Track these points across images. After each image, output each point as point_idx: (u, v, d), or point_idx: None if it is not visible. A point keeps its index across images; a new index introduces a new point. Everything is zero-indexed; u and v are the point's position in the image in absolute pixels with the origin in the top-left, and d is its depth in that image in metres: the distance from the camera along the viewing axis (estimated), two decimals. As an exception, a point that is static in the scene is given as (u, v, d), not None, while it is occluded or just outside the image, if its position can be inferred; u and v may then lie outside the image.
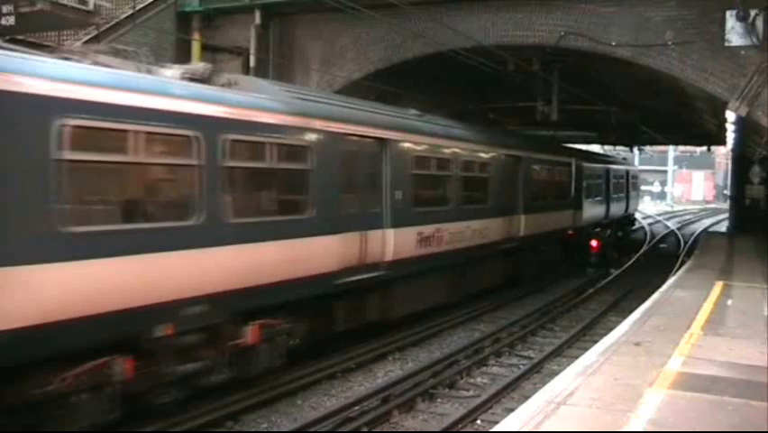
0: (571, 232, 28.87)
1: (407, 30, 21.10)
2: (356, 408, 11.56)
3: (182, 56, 21.36)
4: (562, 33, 20.22)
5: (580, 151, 36.05)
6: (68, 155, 8.60)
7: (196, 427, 10.54)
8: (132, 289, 9.35)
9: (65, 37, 18.70)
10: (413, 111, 18.17)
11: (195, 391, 10.80)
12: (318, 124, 13.10)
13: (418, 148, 16.69)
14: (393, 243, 15.29)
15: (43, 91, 8.42)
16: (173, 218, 10.31)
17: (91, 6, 17.61)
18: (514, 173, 22.56)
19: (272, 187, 12.39)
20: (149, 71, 10.85)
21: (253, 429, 10.98)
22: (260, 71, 21.99)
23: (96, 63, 10.06)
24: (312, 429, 10.66)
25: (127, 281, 9.29)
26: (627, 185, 42.38)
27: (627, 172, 43.39)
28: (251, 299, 11.37)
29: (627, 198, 42.41)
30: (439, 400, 12.65)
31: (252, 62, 22.38)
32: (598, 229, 34.17)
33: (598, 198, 34.33)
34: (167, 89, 10.35)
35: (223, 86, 11.94)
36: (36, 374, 8.50)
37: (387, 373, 14.06)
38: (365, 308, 15.17)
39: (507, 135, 25.88)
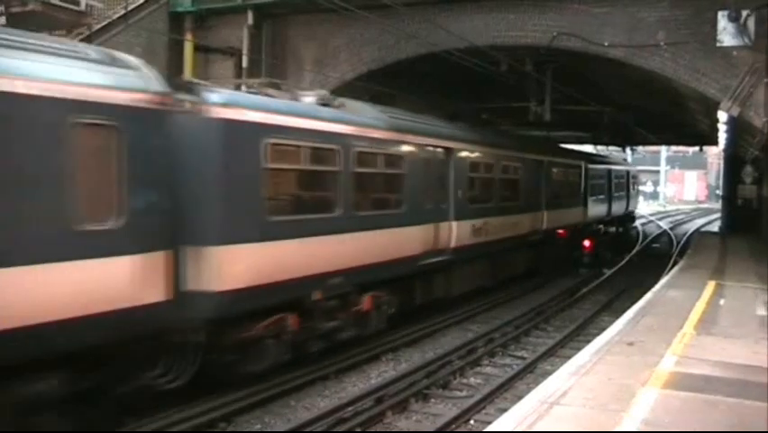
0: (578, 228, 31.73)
1: (401, 30, 21.09)
2: (350, 408, 11.55)
3: (174, 56, 21.35)
4: (555, 34, 20.22)
5: (586, 153, 39.21)
6: (269, 165, 12.00)
7: (189, 428, 10.52)
8: (300, 263, 12.70)
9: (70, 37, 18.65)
10: (463, 124, 22.69)
11: (332, 344, 14.09)
12: (408, 137, 16.66)
13: (472, 155, 20.34)
14: (456, 232, 18.75)
15: (258, 119, 11.87)
16: (324, 211, 13.68)
17: (83, 7, 17.64)
18: (538, 175, 26.10)
19: (379, 187, 15.96)
20: (296, 98, 14.03)
21: (246, 430, 10.97)
22: (253, 72, 21.98)
23: (265, 94, 13.41)
24: (305, 430, 10.65)
25: (298, 258, 12.67)
26: (628, 184, 44.56)
27: (628, 173, 45.56)
28: (367, 274, 14.70)
29: (628, 196, 44.55)
30: (432, 400, 12.65)
31: (245, 63, 22.35)
32: (600, 226, 37.09)
33: (601, 197, 36.88)
34: (319, 114, 13.72)
35: (337, 107, 14.79)
36: (242, 324, 11.64)
37: (380, 373, 14.05)
38: (434, 287, 18.54)
39: (532, 142, 30.19)
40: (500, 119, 35.77)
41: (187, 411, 10.82)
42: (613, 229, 40.84)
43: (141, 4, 21.18)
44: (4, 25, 15.85)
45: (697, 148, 62.37)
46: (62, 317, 8.40)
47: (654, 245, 42.84)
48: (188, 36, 22.48)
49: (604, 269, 29.74)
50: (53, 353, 8.54)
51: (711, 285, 18.05)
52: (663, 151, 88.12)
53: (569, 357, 12.13)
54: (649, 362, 10.38)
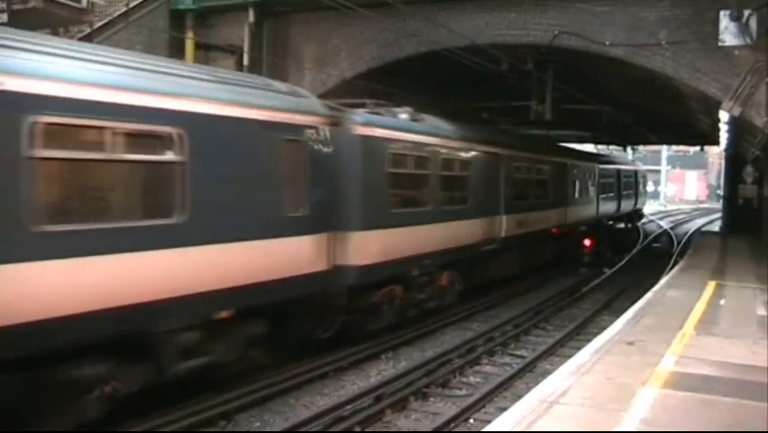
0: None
1: (401, 29, 21.09)
2: (349, 407, 11.57)
3: (175, 54, 21.34)
4: (556, 33, 20.21)
5: (596, 155, 42.72)
6: (390, 170, 15.82)
7: (188, 425, 10.54)
8: (407, 246, 16.30)
9: (57, 35, 18.64)
10: (508, 132, 27.23)
11: (422, 312, 17.70)
12: (473, 145, 20.32)
13: (516, 160, 23.63)
14: (505, 225, 22.15)
15: (385, 135, 15.63)
16: (422, 206, 17.40)
17: (84, 4, 17.63)
18: (564, 175, 29.73)
19: (455, 186, 19.27)
20: (394, 116, 16.85)
21: (246, 428, 10.99)
22: (254, 70, 21.95)
23: (374, 113, 16.11)
24: (304, 428, 10.66)
25: (406, 242, 16.30)
26: (636, 183, 48.58)
27: (636, 172, 49.29)
28: (445, 257, 18.14)
29: (636, 195, 48.68)
30: (432, 399, 12.66)
31: (246, 61, 22.36)
32: (611, 222, 41.71)
33: (611, 195, 40.47)
34: (416, 128, 17.14)
35: (422, 122, 17.78)
36: (368, 292, 15.16)
37: (380, 372, 14.07)
38: (487, 270, 21.93)
39: (558, 147, 34.84)
40: (501, 118, 35.70)
41: (186, 409, 10.84)
42: (622, 225, 45.20)
43: (143, 2, 21.18)
44: (4, 23, 15.85)
45: (698, 148, 62.33)
46: (277, 277, 12.05)
47: (655, 245, 42.81)
48: (189, 34, 22.49)
49: (604, 268, 29.73)
50: (269, 304, 12.15)
51: (711, 285, 18.06)
52: (664, 150, 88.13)
53: (569, 356, 12.16)
54: (649, 361, 10.39)
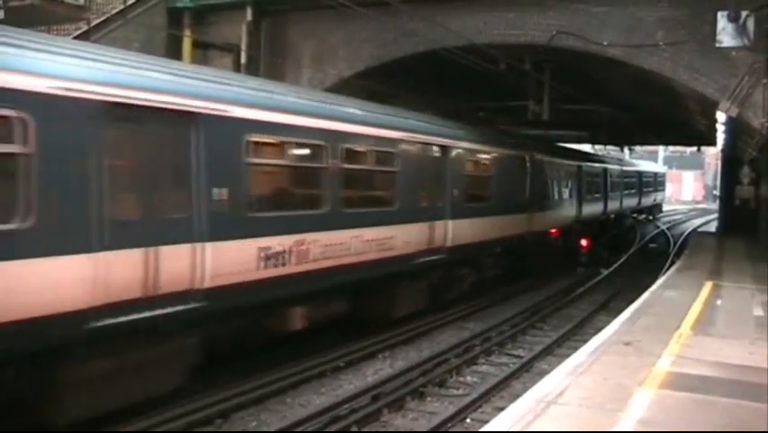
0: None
1: (399, 28, 21.08)
2: (346, 406, 11.55)
3: (173, 52, 21.32)
4: (555, 33, 20.20)
5: (619, 158, 49.91)
6: (466, 172, 19.44)
7: (185, 424, 10.53)
8: (480, 234, 19.94)
9: (55, 32, 18.62)
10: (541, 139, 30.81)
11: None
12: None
13: (557, 164, 27.60)
14: (536, 220, 25.08)
15: (464, 146, 19.29)
16: (484, 201, 20.68)
17: (82, 1, 17.58)
18: (578, 178, 32.63)
19: (499, 185, 21.81)
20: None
21: (242, 428, 10.98)
22: (252, 69, 21.96)
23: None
24: (301, 428, 10.65)
25: (479, 231, 19.91)
26: (656, 183, 62.94)
27: (656, 174, 63.76)
28: (499, 244, 22.12)
29: (656, 191, 63.21)
30: (429, 398, 12.66)
31: (243, 59, 22.34)
32: (635, 214, 54.16)
33: (633, 192, 50.25)
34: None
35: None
36: (454, 268, 19.35)
37: (376, 371, 14.06)
38: (530, 257, 25.57)
39: (575, 153, 37.10)
40: (498, 118, 35.75)
41: (183, 408, 10.83)
42: (643, 216, 57.88)
43: (140, 0, 21.17)
44: (1, 19, 15.81)
45: (695, 148, 62.36)
46: (421, 249, 16.77)
47: (652, 245, 42.86)
48: (187, 32, 22.46)
49: (601, 268, 29.73)
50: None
51: (708, 286, 18.08)
52: (661, 151, 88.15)
53: (565, 356, 12.18)
54: (646, 362, 10.40)
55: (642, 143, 57.51)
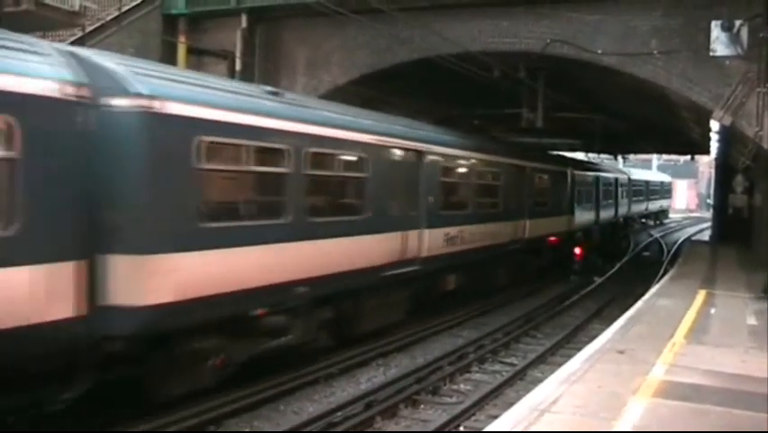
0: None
1: (394, 35, 21.12)
2: (339, 413, 11.53)
3: (167, 58, 21.32)
4: (549, 41, 20.26)
5: (622, 170, 52.87)
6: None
7: (177, 431, 10.50)
8: (543, 230, 25.67)
9: (50, 38, 18.62)
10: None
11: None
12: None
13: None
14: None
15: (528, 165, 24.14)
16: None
17: (77, 7, 17.59)
18: (595, 187, 37.43)
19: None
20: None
21: (235, 435, 10.96)
22: (246, 75, 21.96)
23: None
24: (294, 435, 10.65)
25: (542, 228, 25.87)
26: (662, 190, 73.06)
27: (662, 183, 73.89)
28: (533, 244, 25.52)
29: (663, 198, 73.44)
30: (422, 406, 12.63)
31: (238, 66, 22.35)
32: (642, 219, 62.98)
33: (641, 198, 58.59)
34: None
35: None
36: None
37: (370, 378, 14.03)
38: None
39: (595, 165, 42.39)
40: (492, 125, 35.79)
41: (177, 414, 10.80)
42: (651, 222, 67.47)
43: (135, 6, 21.22)
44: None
45: (688, 157, 62.49)
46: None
47: (645, 254, 42.87)
48: (182, 38, 22.48)
49: (594, 277, 29.73)
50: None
51: (702, 294, 18.10)
52: (655, 159, 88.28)
53: (559, 364, 12.17)
54: (639, 370, 10.40)
55: (635, 152, 57.66)
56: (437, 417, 11.89)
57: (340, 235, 13.96)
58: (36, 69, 8.57)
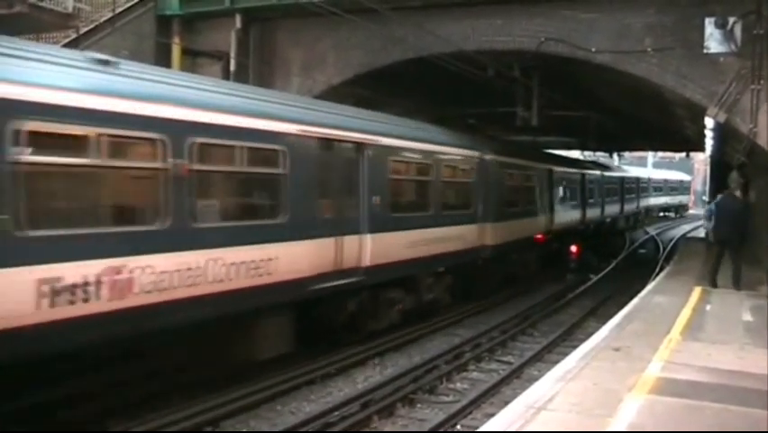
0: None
1: (388, 35, 21.10)
2: (336, 413, 11.54)
3: (162, 60, 21.31)
4: (543, 39, 20.24)
5: (637, 175, 60.64)
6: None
7: (175, 431, 10.50)
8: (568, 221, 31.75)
9: (43, 40, 18.60)
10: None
11: None
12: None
13: (598, 176, 38.07)
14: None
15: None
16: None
17: (70, 9, 17.56)
18: (620, 185, 48.60)
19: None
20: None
21: (233, 436, 10.96)
22: (241, 76, 21.94)
23: None
24: (292, 435, 10.66)
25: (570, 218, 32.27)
26: (681, 188, 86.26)
27: (681, 181, 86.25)
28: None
29: (681, 195, 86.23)
30: (419, 405, 12.65)
31: (233, 67, 22.33)
32: (662, 211, 77.85)
33: (661, 193, 74.94)
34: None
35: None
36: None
37: (366, 378, 14.04)
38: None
39: (622, 169, 54.52)
40: (488, 124, 35.79)
41: (173, 415, 10.80)
42: (672, 213, 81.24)
43: (129, 8, 21.19)
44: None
45: (683, 154, 62.54)
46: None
47: (641, 251, 42.95)
48: (176, 39, 22.45)
49: (590, 274, 29.77)
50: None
51: (697, 291, 18.13)
52: (650, 156, 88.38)
53: (555, 362, 12.19)
54: (635, 367, 10.41)
55: (631, 149, 57.69)
56: (434, 416, 11.91)
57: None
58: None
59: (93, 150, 9.24)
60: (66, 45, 17.95)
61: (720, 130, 22.56)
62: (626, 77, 20.63)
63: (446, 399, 13.08)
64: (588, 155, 49.69)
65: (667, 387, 9.51)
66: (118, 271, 9.43)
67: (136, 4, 21.55)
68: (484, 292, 22.59)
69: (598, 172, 41.16)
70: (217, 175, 11.74)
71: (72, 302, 8.85)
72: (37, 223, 8.64)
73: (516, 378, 14.39)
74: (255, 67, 22.76)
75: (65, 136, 9.11)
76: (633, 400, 8.83)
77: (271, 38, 23.29)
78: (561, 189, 31.66)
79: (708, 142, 31.54)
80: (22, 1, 15.99)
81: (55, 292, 8.65)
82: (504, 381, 14.00)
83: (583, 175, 36.80)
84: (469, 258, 20.54)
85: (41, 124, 8.69)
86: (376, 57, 22.17)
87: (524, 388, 11.01)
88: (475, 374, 14.85)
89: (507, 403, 9.63)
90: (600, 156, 51.96)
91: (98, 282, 9.17)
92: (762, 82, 18.05)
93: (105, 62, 10.08)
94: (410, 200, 17.69)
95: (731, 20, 17.84)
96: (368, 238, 14.96)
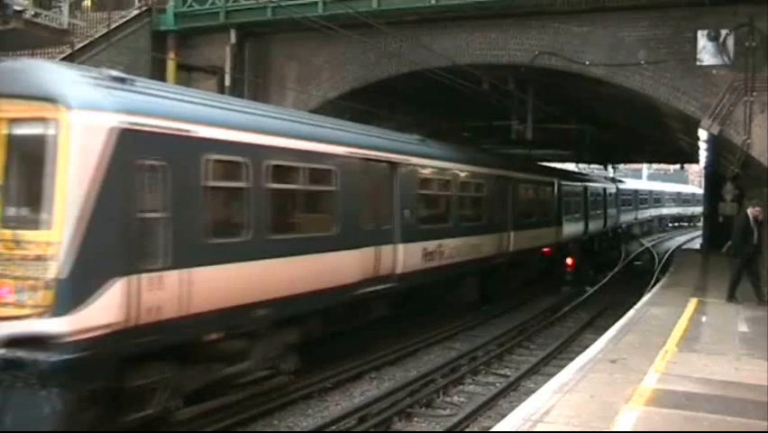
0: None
1: (382, 49, 21.16)
2: (333, 428, 11.51)
3: (157, 75, 21.33)
4: (537, 53, 20.31)
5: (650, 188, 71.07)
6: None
7: None
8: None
9: (39, 56, 18.60)
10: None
11: None
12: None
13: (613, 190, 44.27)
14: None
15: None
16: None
17: (65, 25, 17.57)
18: (634, 197, 55.32)
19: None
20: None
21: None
22: (236, 91, 21.97)
23: None
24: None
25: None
26: (694, 200, 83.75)
27: (694, 194, 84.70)
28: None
29: (694, 206, 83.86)
30: (416, 419, 12.62)
31: (228, 81, 22.36)
32: (675, 222, 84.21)
33: (674, 204, 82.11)
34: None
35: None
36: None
37: (363, 392, 14.01)
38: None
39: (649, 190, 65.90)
40: (483, 138, 35.85)
41: (169, 429, 10.75)
42: (686, 223, 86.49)
43: (124, 23, 21.26)
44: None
45: (678, 166, 62.67)
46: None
47: (637, 263, 42.97)
48: (171, 55, 22.48)
49: (586, 286, 29.77)
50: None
51: (693, 302, 18.11)
52: (645, 169, 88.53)
53: (552, 375, 12.16)
54: (632, 379, 10.40)
55: (626, 162, 57.80)
56: (431, 429, 11.89)
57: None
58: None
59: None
60: (61, 60, 17.94)
61: (714, 142, 22.58)
62: (621, 89, 20.70)
63: (443, 412, 13.05)
64: (582, 168, 49.83)
65: (664, 398, 9.49)
66: (429, 248, 17.86)
67: (131, 19, 21.62)
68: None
69: (618, 187, 49.47)
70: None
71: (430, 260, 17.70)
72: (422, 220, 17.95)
73: (513, 391, 14.37)
74: (250, 81, 22.79)
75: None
76: (630, 412, 8.81)
77: (266, 53, 23.34)
78: (592, 202, 38.56)
79: (702, 154, 31.56)
80: (18, 17, 16.00)
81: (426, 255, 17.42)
82: (501, 394, 13.98)
83: (604, 189, 43.63)
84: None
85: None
86: (371, 71, 22.22)
87: (520, 401, 11.00)
88: (472, 388, 14.82)
89: (503, 417, 9.61)
90: (594, 168, 52.17)
91: (435, 252, 18.13)
92: (755, 94, 18.15)
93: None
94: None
95: (723, 32, 17.94)
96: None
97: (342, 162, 14.25)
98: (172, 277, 9.83)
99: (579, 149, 40.73)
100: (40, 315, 8.63)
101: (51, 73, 9.63)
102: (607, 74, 19.91)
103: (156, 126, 9.74)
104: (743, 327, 15.12)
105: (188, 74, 23.00)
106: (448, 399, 13.94)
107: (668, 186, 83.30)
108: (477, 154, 24.10)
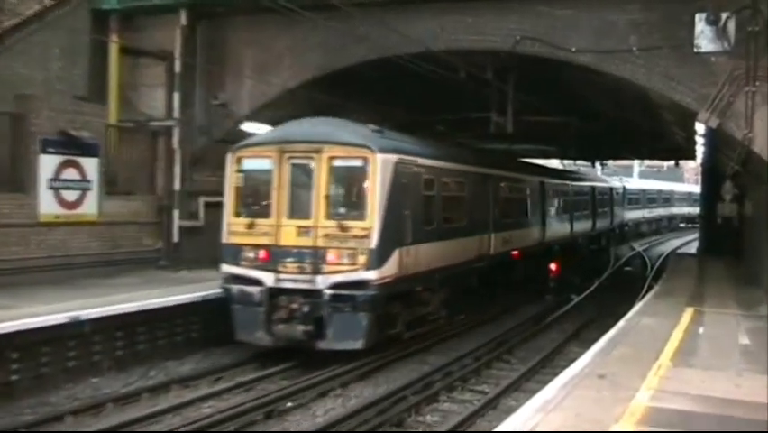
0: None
1: (349, 34, 20.99)
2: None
3: (98, 60, 21.07)
4: (518, 38, 20.23)
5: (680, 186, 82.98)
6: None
7: None
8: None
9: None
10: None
11: None
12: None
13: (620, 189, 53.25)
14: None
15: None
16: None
17: (-8, 1, 17.31)
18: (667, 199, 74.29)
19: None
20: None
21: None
22: (187, 78, 21.81)
23: None
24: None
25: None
26: (691, 199, 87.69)
27: (690, 194, 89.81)
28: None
29: (692, 206, 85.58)
30: (385, 440, 12.57)
31: (178, 68, 22.18)
32: (682, 223, 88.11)
33: (685, 204, 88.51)
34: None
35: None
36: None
37: (327, 411, 13.92)
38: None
39: (659, 184, 78.55)
40: (459, 131, 35.84)
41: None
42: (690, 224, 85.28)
43: (61, 1, 20.78)
44: None
45: (672, 162, 63.06)
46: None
47: (627, 268, 43.20)
48: (114, 37, 22.18)
49: (572, 295, 29.80)
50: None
51: (689, 312, 18.17)
52: (636, 165, 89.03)
53: (534, 392, 12.11)
54: (622, 396, 10.39)
55: (615, 158, 58.05)
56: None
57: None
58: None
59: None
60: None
61: (712, 136, 22.77)
62: (610, 79, 20.73)
63: (415, 433, 13.02)
64: (568, 164, 49.99)
65: (657, 417, 9.48)
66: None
67: (69, -4, 21.23)
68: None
69: (624, 185, 59.23)
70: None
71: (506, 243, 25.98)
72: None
73: (492, 409, 14.31)
74: (203, 68, 22.61)
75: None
76: (620, 433, 8.80)
77: (221, 36, 23.17)
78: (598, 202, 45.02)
79: (699, 150, 31.85)
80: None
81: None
82: (478, 412, 13.91)
83: (611, 189, 51.37)
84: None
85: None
86: (336, 57, 22.10)
87: (500, 420, 10.96)
88: (447, 405, 14.76)
89: (481, 438, 9.57)
90: (581, 165, 52.42)
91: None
92: (757, 83, 18.11)
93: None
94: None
95: (724, 15, 17.88)
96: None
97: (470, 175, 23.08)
98: (413, 249, 17.91)
99: (564, 144, 40.87)
100: (365, 269, 16.42)
101: (363, 130, 17.93)
102: (594, 61, 19.90)
103: (407, 160, 17.93)
104: (744, 339, 15.18)
105: (135, 59, 22.79)
106: (420, 418, 13.88)
107: (680, 186, 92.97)
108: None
